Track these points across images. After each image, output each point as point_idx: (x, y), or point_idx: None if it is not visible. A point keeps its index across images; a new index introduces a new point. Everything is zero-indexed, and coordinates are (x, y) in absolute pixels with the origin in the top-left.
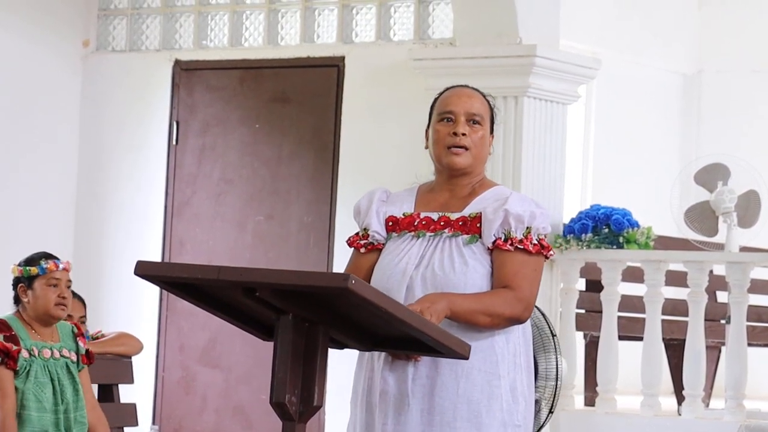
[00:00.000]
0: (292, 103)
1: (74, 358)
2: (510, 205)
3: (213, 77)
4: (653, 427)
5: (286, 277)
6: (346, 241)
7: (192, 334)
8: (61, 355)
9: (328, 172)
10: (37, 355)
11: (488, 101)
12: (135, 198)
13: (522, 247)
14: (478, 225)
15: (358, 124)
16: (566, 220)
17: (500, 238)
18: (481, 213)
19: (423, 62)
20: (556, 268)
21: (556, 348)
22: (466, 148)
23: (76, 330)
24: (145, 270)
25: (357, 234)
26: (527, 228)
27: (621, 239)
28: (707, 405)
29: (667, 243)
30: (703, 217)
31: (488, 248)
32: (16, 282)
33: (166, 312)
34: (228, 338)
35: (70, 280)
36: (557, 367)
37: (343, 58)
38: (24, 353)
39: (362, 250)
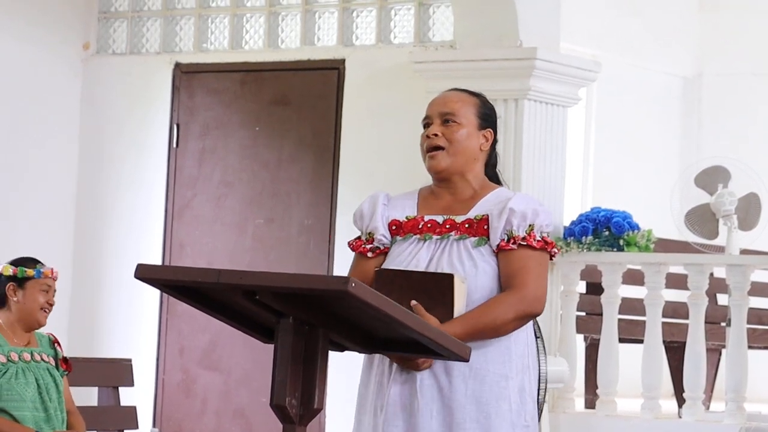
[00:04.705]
0: (292, 106)
1: (53, 363)
2: (513, 204)
3: (213, 80)
4: (654, 429)
5: (286, 280)
6: (349, 245)
7: (192, 337)
8: (42, 359)
9: (328, 174)
10: (17, 359)
11: (479, 99)
12: (135, 201)
13: (525, 243)
14: (485, 227)
15: (359, 126)
16: (567, 223)
17: (504, 239)
18: (487, 215)
19: (423, 65)
20: (556, 271)
21: (538, 349)
22: (441, 148)
23: (52, 338)
24: (145, 273)
25: (359, 238)
26: (530, 225)
27: (621, 242)
28: (707, 408)
29: (667, 246)
30: (703, 219)
31: (494, 250)
32: (6, 281)
33: (167, 315)
34: (228, 341)
35: (55, 290)
36: (539, 369)
37: (343, 61)
38: (0, 358)
39: (369, 254)
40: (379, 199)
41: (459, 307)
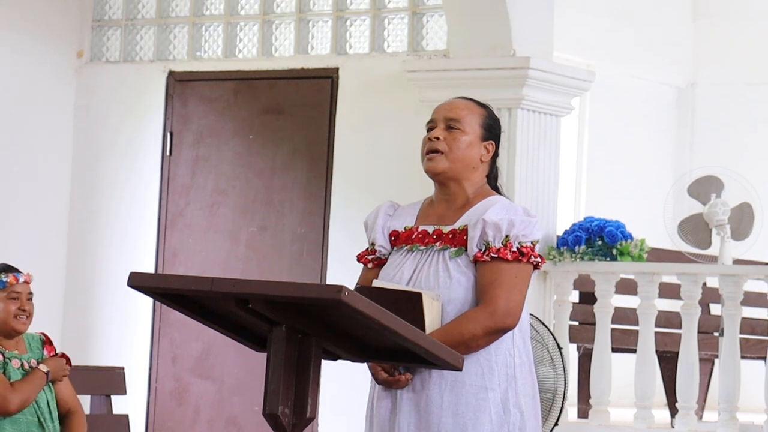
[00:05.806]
0: (285, 115)
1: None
2: (488, 215)
3: (207, 88)
4: None
5: (279, 289)
6: (356, 257)
7: (185, 345)
8: (30, 366)
9: (321, 183)
10: (8, 360)
11: (486, 111)
12: (128, 209)
13: (498, 255)
14: (465, 237)
15: (352, 135)
16: (560, 232)
17: (480, 250)
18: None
19: (417, 74)
20: (549, 280)
21: (553, 360)
22: (441, 152)
23: (43, 338)
24: (138, 281)
25: (366, 249)
26: (505, 236)
27: (614, 251)
28: (700, 418)
29: (660, 255)
30: (696, 229)
31: (472, 261)
32: None
33: (159, 323)
34: (221, 349)
35: (31, 293)
36: (558, 380)
37: (337, 70)
38: None
39: (369, 265)
40: (381, 209)
41: (431, 325)
